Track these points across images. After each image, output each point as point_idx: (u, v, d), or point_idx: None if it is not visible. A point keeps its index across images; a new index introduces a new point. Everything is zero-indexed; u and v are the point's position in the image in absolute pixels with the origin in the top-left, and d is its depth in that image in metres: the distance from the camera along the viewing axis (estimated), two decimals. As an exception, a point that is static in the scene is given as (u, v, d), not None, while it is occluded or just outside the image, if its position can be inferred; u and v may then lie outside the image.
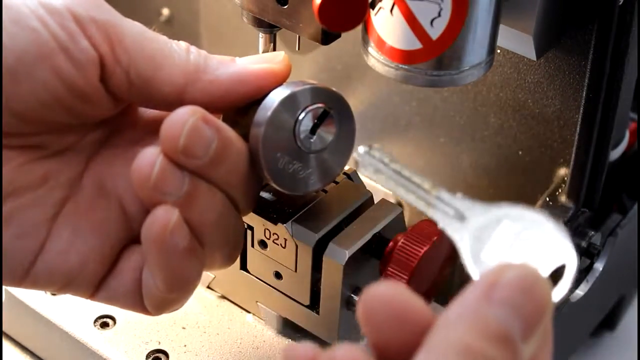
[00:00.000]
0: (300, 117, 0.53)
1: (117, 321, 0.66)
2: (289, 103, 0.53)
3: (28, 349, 0.70)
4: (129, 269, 0.55)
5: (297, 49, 0.63)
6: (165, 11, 0.84)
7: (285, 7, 0.56)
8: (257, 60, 0.55)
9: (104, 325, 0.66)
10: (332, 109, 0.54)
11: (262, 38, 0.62)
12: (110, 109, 0.54)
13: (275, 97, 0.53)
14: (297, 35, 0.61)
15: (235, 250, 0.56)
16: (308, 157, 0.55)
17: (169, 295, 0.54)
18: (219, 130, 0.51)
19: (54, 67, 0.50)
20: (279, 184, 0.55)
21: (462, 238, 0.43)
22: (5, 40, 0.49)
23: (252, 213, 0.61)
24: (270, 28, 0.60)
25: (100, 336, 0.65)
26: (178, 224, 0.51)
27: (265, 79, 0.54)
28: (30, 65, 0.49)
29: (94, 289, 0.55)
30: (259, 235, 0.62)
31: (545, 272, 0.41)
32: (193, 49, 0.54)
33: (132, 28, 0.52)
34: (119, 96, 0.53)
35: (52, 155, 0.54)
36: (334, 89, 0.55)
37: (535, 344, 0.40)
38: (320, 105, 0.54)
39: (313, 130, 0.54)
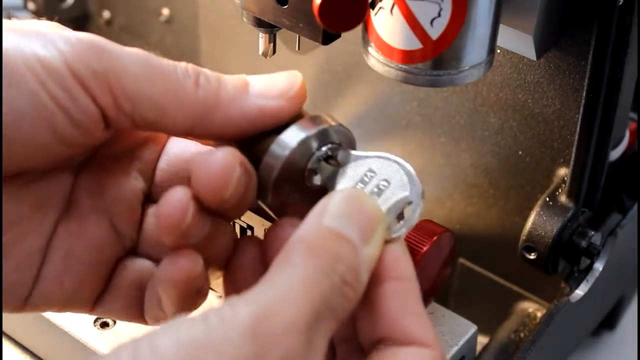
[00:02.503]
0: (312, 158, 0.52)
1: (117, 321, 0.66)
2: (306, 144, 0.52)
3: (28, 349, 0.70)
4: (124, 286, 0.54)
5: (297, 49, 0.63)
6: (165, 11, 0.84)
7: (285, 7, 0.56)
8: (271, 93, 0.52)
9: (104, 325, 0.66)
10: (341, 147, 0.53)
11: (262, 38, 0.62)
12: (108, 136, 0.52)
13: (293, 137, 0.51)
14: (297, 35, 0.61)
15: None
16: (310, 190, 0.54)
17: (174, 316, 0.53)
18: (249, 173, 0.50)
19: (54, 130, 0.48)
20: (276, 213, 0.54)
21: (334, 181, 0.51)
22: (4, 104, 0.47)
23: (252, 213, 0.61)
24: (270, 28, 0.60)
25: (100, 336, 0.65)
26: (202, 271, 0.50)
27: (278, 117, 0.51)
28: (27, 130, 0.48)
29: (92, 305, 0.54)
30: (258, 235, 0.62)
31: (396, 206, 0.49)
32: (203, 79, 0.51)
33: (134, 69, 0.49)
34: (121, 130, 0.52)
35: (40, 178, 0.52)
36: (340, 125, 0.54)
37: (376, 247, 0.47)
38: (332, 145, 0.53)
39: (321, 168, 0.53)
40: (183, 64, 0.51)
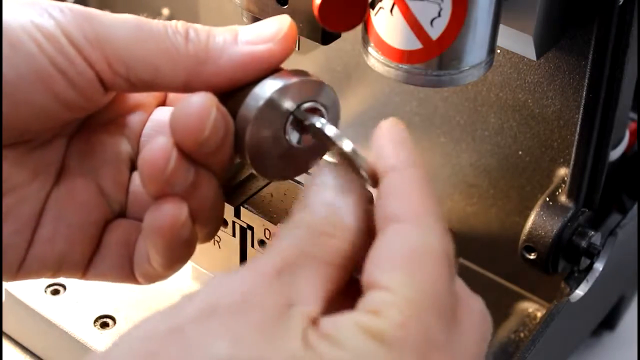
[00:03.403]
0: (292, 111, 0.52)
1: (117, 321, 0.66)
2: (281, 95, 0.52)
3: (28, 349, 0.70)
4: (114, 245, 0.55)
5: (297, 49, 0.63)
6: (165, 11, 0.84)
7: (285, 7, 0.56)
8: (260, 38, 0.53)
9: (104, 325, 0.66)
10: (325, 106, 0.53)
11: (262, 38, 0.62)
12: (106, 102, 0.54)
13: (271, 86, 0.52)
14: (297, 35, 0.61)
15: (218, 226, 0.56)
16: (291, 149, 0.54)
17: (164, 273, 0.54)
18: (225, 117, 0.51)
19: (53, 92, 0.50)
20: (258, 170, 0.54)
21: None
22: (4, 66, 0.49)
23: (251, 213, 0.61)
24: (270, 28, 0.60)
25: (100, 336, 0.65)
26: (187, 219, 0.51)
27: (269, 62, 0.53)
28: (28, 91, 0.49)
29: (84, 268, 0.55)
30: (259, 235, 0.62)
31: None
32: (193, 34, 0.52)
33: (125, 33, 0.51)
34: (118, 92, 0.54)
35: (40, 146, 0.54)
36: (327, 85, 0.54)
37: (356, 195, 0.47)
38: (313, 102, 0.53)
39: (301, 126, 0.53)
40: (173, 22, 0.53)
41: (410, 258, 0.44)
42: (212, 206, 0.53)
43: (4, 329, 0.70)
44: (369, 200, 0.48)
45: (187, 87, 0.52)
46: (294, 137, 0.53)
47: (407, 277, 0.43)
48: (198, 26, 0.53)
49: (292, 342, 0.41)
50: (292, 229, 0.46)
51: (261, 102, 0.51)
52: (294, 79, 0.52)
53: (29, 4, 0.51)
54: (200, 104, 0.50)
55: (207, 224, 0.54)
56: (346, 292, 0.46)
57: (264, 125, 0.52)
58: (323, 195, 0.48)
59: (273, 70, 0.53)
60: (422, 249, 0.44)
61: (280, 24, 0.54)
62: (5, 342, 0.70)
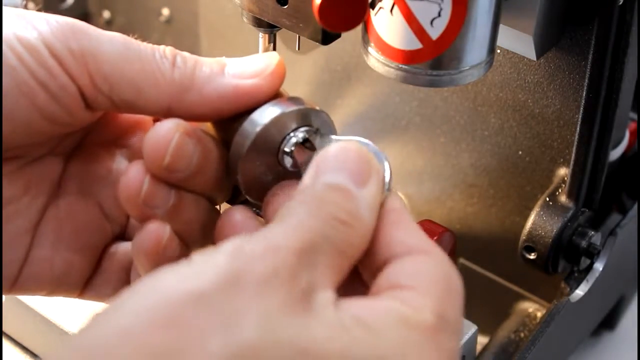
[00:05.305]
0: (287, 138, 0.52)
1: (117, 321, 0.66)
2: (278, 123, 0.52)
3: (28, 349, 0.70)
4: (114, 269, 0.55)
5: (297, 49, 0.63)
6: (165, 11, 0.84)
7: (285, 7, 0.56)
8: (247, 73, 0.53)
9: (104, 325, 0.66)
10: (319, 132, 0.53)
11: (262, 38, 0.62)
12: (92, 119, 0.53)
13: (266, 115, 0.52)
14: (297, 35, 0.61)
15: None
16: (285, 175, 0.54)
17: None
18: (201, 142, 0.51)
19: (36, 106, 0.49)
20: (250, 195, 0.54)
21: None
22: None
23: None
24: (270, 28, 0.60)
25: (100, 336, 0.65)
26: (170, 238, 0.51)
27: (255, 96, 0.52)
28: (10, 106, 0.49)
29: (81, 289, 0.55)
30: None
31: None
32: (180, 60, 0.52)
33: (111, 50, 0.50)
34: (102, 111, 0.53)
35: (32, 162, 0.53)
36: (321, 109, 0.54)
37: (375, 187, 0.46)
38: (308, 127, 0.53)
39: (297, 151, 0.53)
40: (162, 47, 0.52)
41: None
42: (203, 228, 0.53)
43: (4, 329, 0.70)
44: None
45: (170, 113, 0.52)
46: (287, 161, 0.53)
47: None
48: (186, 54, 0.53)
49: (326, 324, 0.41)
50: (313, 206, 0.44)
51: (258, 129, 0.51)
52: (293, 107, 0.52)
53: (16, 15, 0.50)
54: (162, 131, 0.50)
55: (201, 245, 0.53)
56: None
57: (260, 153, 0.52)
58: (341, 178, 0.46)
59: (262, 102, 0.53)
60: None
61: (268, 61, 0.53)
62: (5, 342, 0.70)
